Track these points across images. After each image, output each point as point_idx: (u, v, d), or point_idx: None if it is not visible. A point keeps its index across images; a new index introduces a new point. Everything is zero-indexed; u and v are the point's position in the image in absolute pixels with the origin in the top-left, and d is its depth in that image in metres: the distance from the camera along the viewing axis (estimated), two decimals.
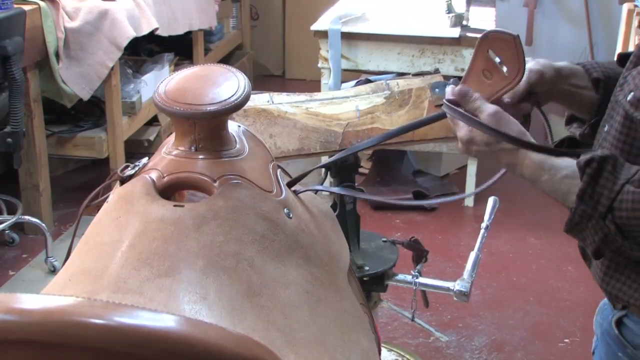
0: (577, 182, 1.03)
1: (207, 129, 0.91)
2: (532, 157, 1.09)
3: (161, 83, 0.94)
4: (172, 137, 0.96)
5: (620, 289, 1.15)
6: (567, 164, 1.06)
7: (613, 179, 1.00)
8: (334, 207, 1.82)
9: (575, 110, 1.33)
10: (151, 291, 0.78)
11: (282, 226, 0.90)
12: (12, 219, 3.05)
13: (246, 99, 0.93)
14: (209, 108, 0.90)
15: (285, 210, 0.93)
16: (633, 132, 1.08)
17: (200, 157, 0.91)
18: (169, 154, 0.93)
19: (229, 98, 0.91)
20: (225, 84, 0.94)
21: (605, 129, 1.16)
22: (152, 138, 3.88)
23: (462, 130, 1.14)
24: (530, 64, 1.24)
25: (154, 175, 0.90)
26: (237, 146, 0.95)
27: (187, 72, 0.97)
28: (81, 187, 3.69)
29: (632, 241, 1.00)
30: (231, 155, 0.93)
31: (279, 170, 1.00)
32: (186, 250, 0.82)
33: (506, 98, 1.21)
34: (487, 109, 1.12)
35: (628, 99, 1.08)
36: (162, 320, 0.55)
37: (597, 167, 1.01)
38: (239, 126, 1.01)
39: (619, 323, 1.21)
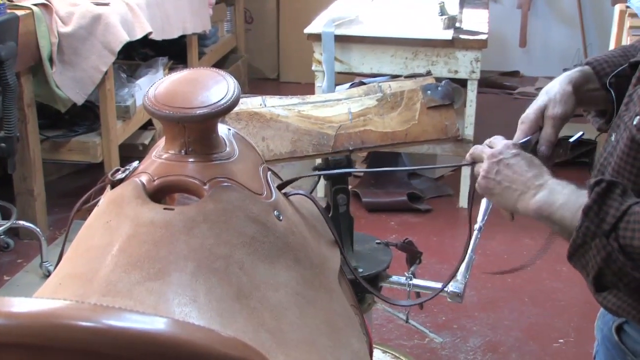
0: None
1: (197, 132, 0.92)
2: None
3: (151, 87, 0.95)
4: (162, 141, 0.96)
5: (614, 304, 1.14)
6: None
7: (621, 200, 1.00)
8: (327, 209, 1.83)
9: (592, 108, 1.35)
10: (141, 294, 0.78)
11: (272, 228, 0.91)
12: (6, 224, 3.04)
13: (235, 102, 0.93)
14: (198, 111, 0.90)
15: (275, 212, 0.93)
16: None
17: (190, 160, 0.92)
18: (159, 158, 0.93)
19: (219, 101, 0.92)
20: (215, 87, 0.94)
21: (612, 138, 1.16)
22: (146, 142, 3.88)
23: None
24: (552, 109, 1.26)
25: (144, 178, 0.90)
26: (227, 149, 0.96)
27: (176, 76, 0.98)
28: (76, 191, 3.68)
29: (636, 264, 0.98)
30: (221, 158, 0.94)
31: (269, 173, 1.01)
32: (176, 253, 0.83)
33: (542, 148, 1.26)
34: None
35: (634, 122, 1.08)
36: (149, 323, 0.56)
37: (606, 187, 1.01)
38: (229, 129, 1.01)
39: (620, 329, 1.20)
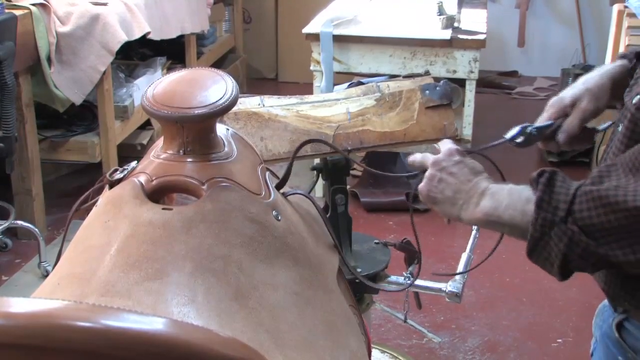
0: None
1: (195, 132, 0.92)
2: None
3: (149, 87, 0.95)
4: (161, 141, 0.96)
5: (620, 295, 1.14)
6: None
7: (567, 186, 1.02)
8: (325, 209, 1.83)
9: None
10: (139, 294, 0.78)
11: (270, 228, 0.91)
12: (5, 224, 3.04)
13: (234, 102, 0.93)
14: (196, 111, 0.90)
15: (274, 212, 0.93)
16: (636, 135, 1.07)
17: (189, 160, 0.92)
18: (157, 158, 0.93)
19: (217, 101, 0.92)
20: (213, 87, 0.94)
21: (620, 128, 1.16)
22: (145, 142, 3.88)
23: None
24: (586, 103, 1.24)
25: (142, 178, 0.90)
26: (226, 149, 0.96)
27: (175, 76, 0.98)
28: (74, 191, 3.68)
29: (599, 242, 0.99)
30: (220, 158, 0.94)
31: (267, 173, 1.01)
32: (175, 253, 0.82)
33: (560, 136, 1.24)
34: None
35: (634, 101, 1.08)
36: (148, 323, 0.56)
37: (549, 177, 1.03)
38: (228, 129, 1.01)
39: (620, 326, 1.20)
